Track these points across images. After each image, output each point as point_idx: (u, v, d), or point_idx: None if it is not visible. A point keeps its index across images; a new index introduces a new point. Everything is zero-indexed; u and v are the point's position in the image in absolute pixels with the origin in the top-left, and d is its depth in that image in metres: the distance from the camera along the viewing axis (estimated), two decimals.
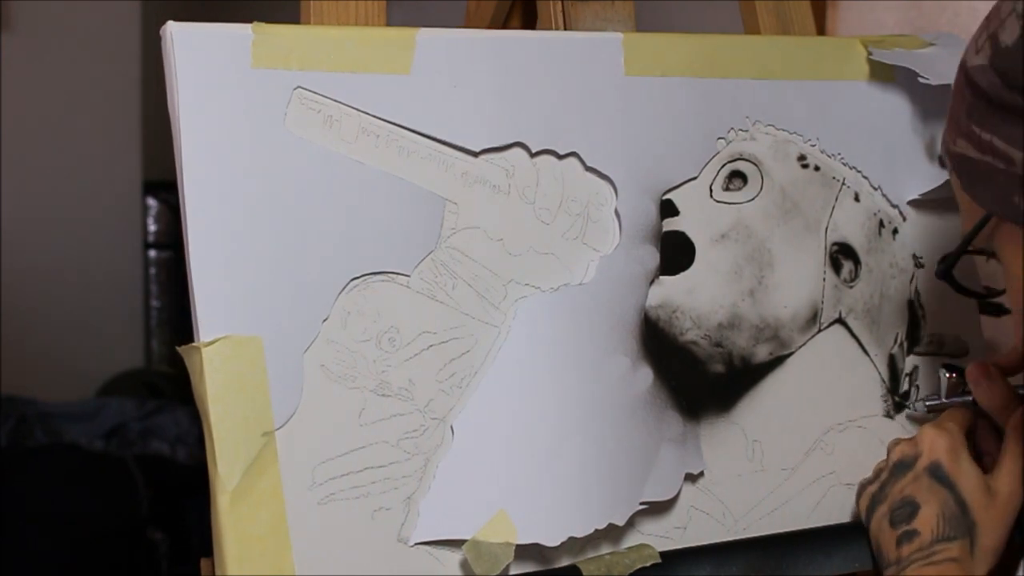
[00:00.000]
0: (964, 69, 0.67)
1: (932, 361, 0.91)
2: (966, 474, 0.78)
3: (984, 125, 0.65)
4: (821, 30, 1.85)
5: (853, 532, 0.84)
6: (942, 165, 0.91)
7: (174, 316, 2.84)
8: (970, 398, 0.83)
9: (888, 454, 0.82)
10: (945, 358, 0.90)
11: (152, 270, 2.85)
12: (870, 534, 0.81)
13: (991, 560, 0.77)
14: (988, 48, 0.65)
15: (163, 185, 2.82)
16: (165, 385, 2.56)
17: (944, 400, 0.86)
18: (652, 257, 0.82)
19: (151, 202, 2.83)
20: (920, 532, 0.77)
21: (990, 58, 0.64)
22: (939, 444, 0.79)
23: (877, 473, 0.83)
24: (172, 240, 2.83)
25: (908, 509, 0.78)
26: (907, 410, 0.89)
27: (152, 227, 2.85)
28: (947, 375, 0.86)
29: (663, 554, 0.78)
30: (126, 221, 2.79)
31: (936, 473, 0.78)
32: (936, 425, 0.80)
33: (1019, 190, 0.63)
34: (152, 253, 2.85)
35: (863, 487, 0.83)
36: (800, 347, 0.86)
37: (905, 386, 0.90)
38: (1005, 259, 0.69)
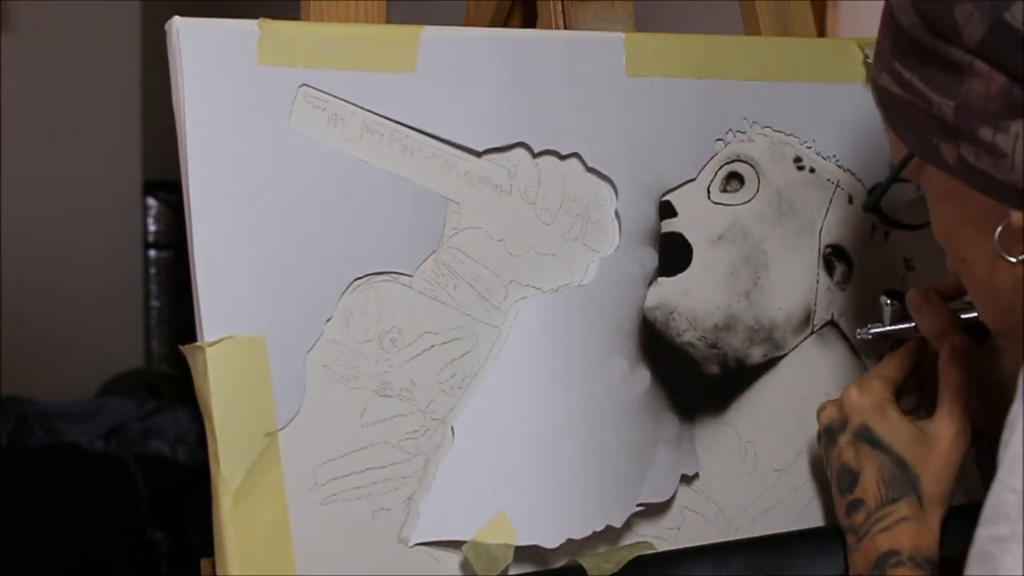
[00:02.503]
0: (888, 1, 0.65)
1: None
2: (896, 430, 0.77)
3: (905, 63, 0.63)
4: (821, 30, 1.85)
5: None
6: None
7: (174, 316, 2.84)
8: (912, 324, 0.82)
9: (817, 419, 0.81)
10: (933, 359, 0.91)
11: (152, 270, 2.85)
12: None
13: (944, 505, 0.76)
14: None
15: (163, 185, 2.81)
16: (165, 385, 2.56)
17: (887, 327, 0.84)
18: (651, 258, 0.82)
19: (151, 202, 2.83)
20: (864, 501, 0.76)
21: None
22: (864, 405, 0.77)
23: (818, 438, 0.81)
24: (172, 240, 2.83)
25: (849, 478, 0.77)
26: (856, 338, 0.88)
27: (152, 227, 2.85)
28: (888, 302, 0.85)
29: (663, 554, 0.79)
30: (126, 221, 2.80)
31: (866, 436, 0.77)
32: (858, 384, 0.79)
33: (936, 132, 0.62)
34: (152, 253, 2.85)
35: (821, 445, 0.82)
36: (793, 349, 0.87)
37: (857, 338, 0.90)
38: (930, 196, 0.68)
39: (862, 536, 0.76)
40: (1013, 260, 0.62)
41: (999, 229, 0.62)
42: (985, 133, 0.60)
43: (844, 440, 0.78)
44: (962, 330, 0.79)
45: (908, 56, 0.63)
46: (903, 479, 0.76)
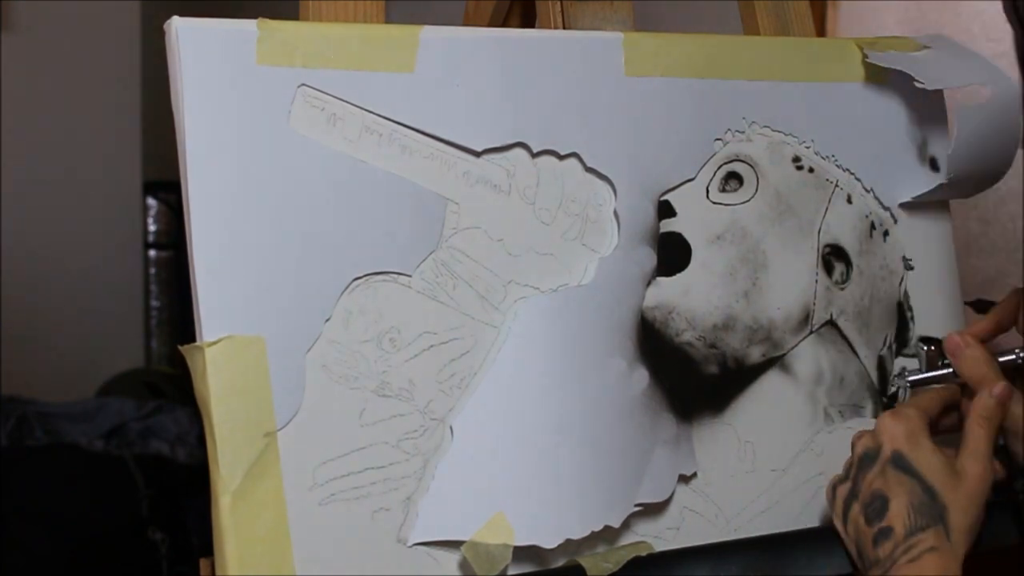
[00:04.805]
0: None
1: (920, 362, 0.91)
2: (928, 459, 0.77)
3: None
4: (821, 30, 1.85)
5: None
6: (933, 168, 0.91)
7: (174, 316, 2.84)
8: (951, 370, 0.83)
9: (852, 448, 0.81)
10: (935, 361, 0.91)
11: (152, 270, 2.85)
12: (847, 532, 0.79)
13: (969, 539, 0.76)
14: None
15: (163, 185, 2.82)
16: (165, 385, 2.55)
17: (925, 374, 0.85)
18: (650, 258, 0.82)
19: (151, 202, 2.84)
20: (894, 528, 0.75)
21: None
22: (897, 432, 0.77)
23: (847, 470, 0.81)
24: (172, 240, 2.83)
25: (878, 504, 0.76)
26: (890, 387, 0.89)
27: (152, 227, 2.85)
28: (925, 348, 0.85)
29: (662, 554, 0.79)
30: (126, 221, 2.80)
31: (899, 463, 0.77)
32: (893, 413, 0.79)
33: None
34: (152, 253, 2.85)
35: (835, 486, 0.81)
36: (792, 348, 0.87)
37: (893, 388, 0.90)
38: None
39: (888, 568, 0.75)
40: None
41: None
42: None
43: (877, 467, 0.78)
44: (1002, 374, 0.80)
45: None
46: (932, 507, 0.75)
